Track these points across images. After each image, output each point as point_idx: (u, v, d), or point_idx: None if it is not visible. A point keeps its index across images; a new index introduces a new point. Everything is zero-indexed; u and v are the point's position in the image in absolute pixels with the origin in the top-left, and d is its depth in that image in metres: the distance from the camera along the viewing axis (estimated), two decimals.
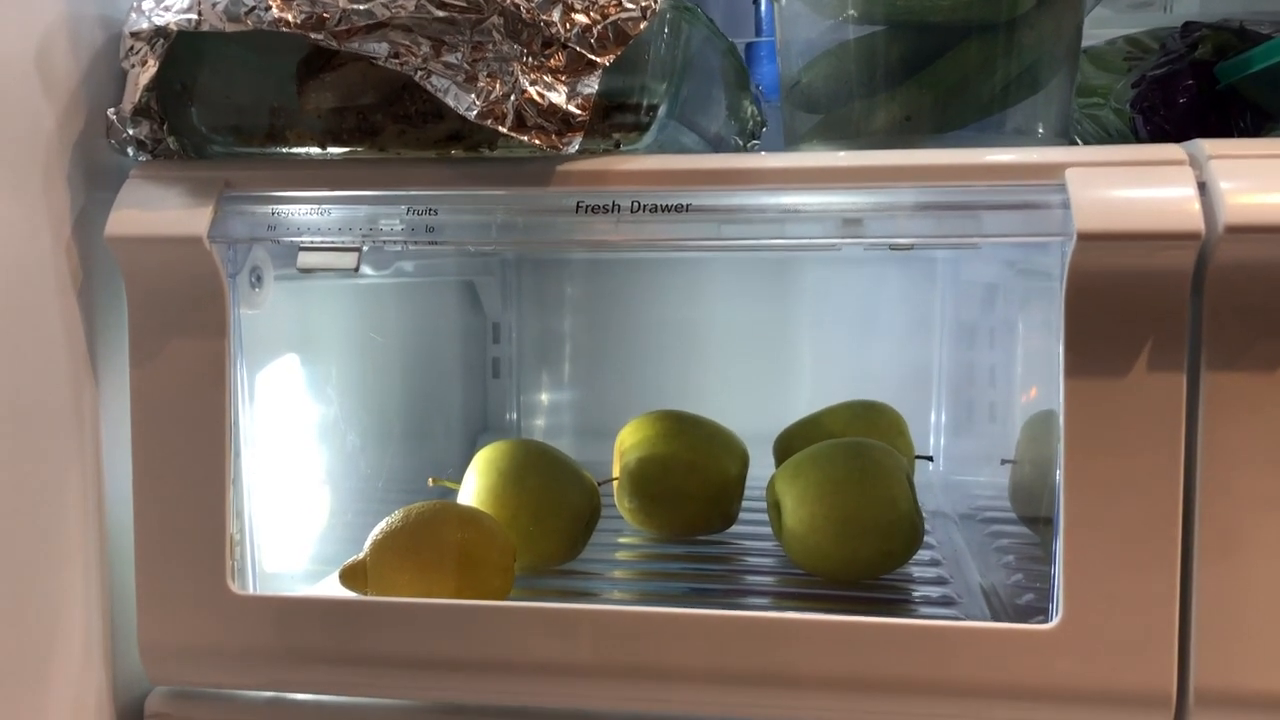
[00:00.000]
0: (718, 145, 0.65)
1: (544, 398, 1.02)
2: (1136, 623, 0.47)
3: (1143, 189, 0.46)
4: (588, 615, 0.51)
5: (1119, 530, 0.47)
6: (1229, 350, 0.46)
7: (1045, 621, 0.49)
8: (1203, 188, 0.46)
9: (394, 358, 0.81)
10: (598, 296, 1.00)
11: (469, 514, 0.60)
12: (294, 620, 0.52)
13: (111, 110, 0.52)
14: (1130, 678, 0.47)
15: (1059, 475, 0.47)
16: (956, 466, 0.92)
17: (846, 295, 0.96)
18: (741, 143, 0.70)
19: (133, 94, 0.50)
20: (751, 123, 0.71)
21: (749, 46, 0.84)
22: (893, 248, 0.48)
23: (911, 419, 0.82)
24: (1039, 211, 0.47)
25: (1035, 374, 0.76)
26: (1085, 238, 0.45)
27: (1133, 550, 0.46)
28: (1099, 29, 0.80)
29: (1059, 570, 0.47)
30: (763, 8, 0.85)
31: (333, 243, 0.50)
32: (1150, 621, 0.47)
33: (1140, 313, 0.46)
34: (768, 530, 0.69)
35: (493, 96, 0.47)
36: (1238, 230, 0.44)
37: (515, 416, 1.02)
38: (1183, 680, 0.47)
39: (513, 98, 0.47)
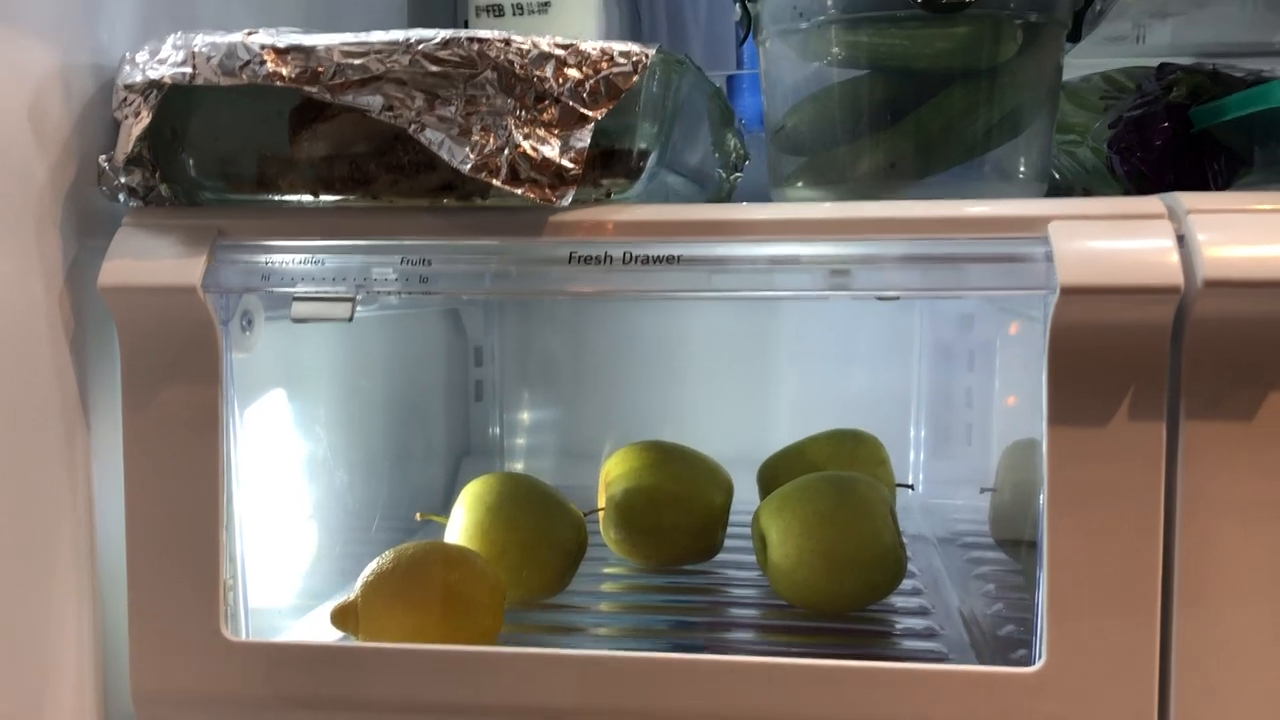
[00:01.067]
0: (701, 179, 0.66)
1: (527, 420, 1.03)
2: (1118, 667, 0.48)
3: (1123, 242, 0.47)
4: (578, 661, 0.51)
5: (1101, 576, 0.48)
6: (1208, 399, 0.47)
7: (1026, 654, 0.50)
8: (1181, 240, 0.47)
9: (378, 386, 0.82)
10: (580, 319, 1.01)
11: (458, 554, 0.60)
12: (288, 666, 0.52)
13: (104, 157, 0.52)
14: None
15: (1042, 524, 0.48)
16: (936, 490, 0.93)
17: (827, 319, 0.97)
18: (725, 175, 0.71)
19: (125, 144, 0.51)
20: (735, 155, 0.72)
21: (730, 79, 0.84)
22: (880, 299, 0.49)
23: (891, 442, 0.83)
24: (1022, 265, 0.48)
25: (1011, 401, 0.78)
26: (1068, 291, 0.46)
27: (1114, 596, 0.48)
28: (1075, 59, 0.81)
29: (1042, 614, 0.48)
30: (743, 39, 0.86)
31: (327, 293, 0.51)
32: (1131, 666, 0.48)
33: (1121, 363, 0.47)
34: (752, 559, 0.70)
35: (486, 150, 0.47)
36: (1216, 285, 0.45)
37: (498, 439, 1.02)
38: None
39: (506, 151, 0.47)
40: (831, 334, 0.97)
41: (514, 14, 0.83)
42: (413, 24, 0.88)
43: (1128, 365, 0.47)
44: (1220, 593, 0.47)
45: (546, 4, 0.82)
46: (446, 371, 0.98)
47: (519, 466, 1.02)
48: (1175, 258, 0.46)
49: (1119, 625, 0.48)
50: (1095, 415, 0.47)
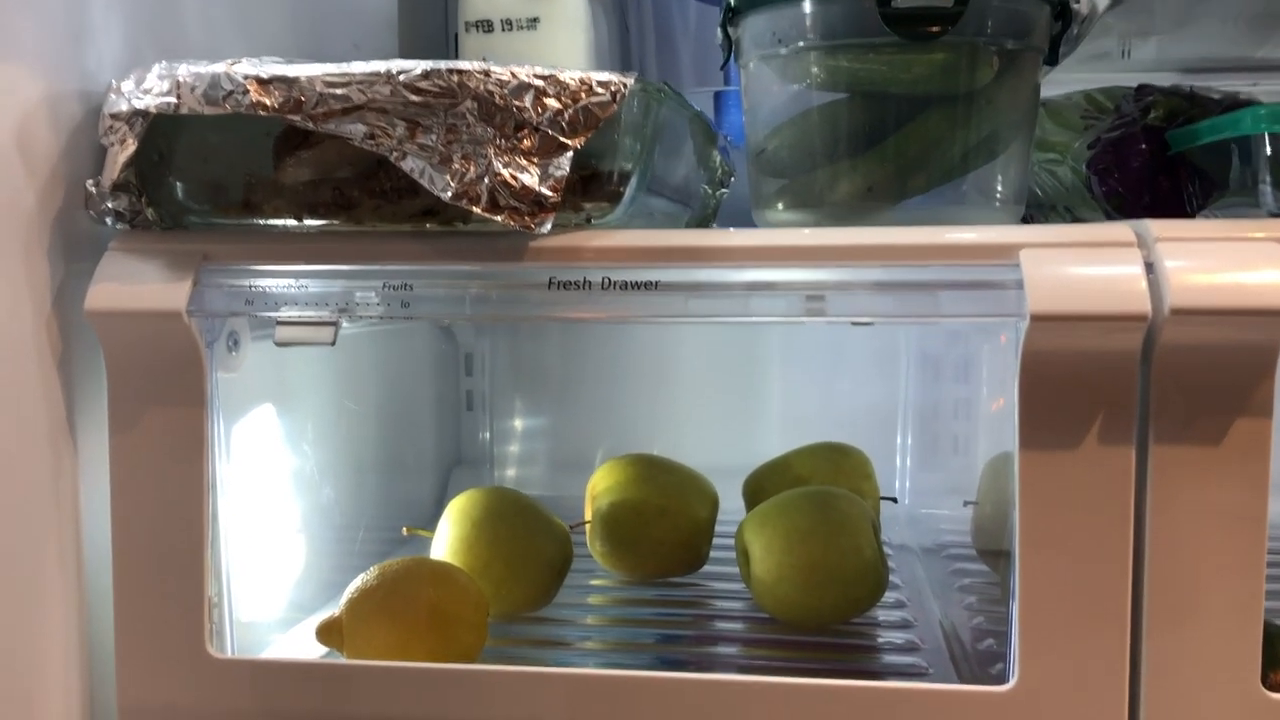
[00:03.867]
0: (686, 197, 0.67)
1: (517, 430, 1.03)
2: (1089, 686, 0.48)
3: (1093, 269, 0.48)
4: (562, 678, 0.52)
5: (1073, 597, 0.48)
6: (1176, 424, 0.48)
7: (1003, 669, 0.51)
8: (1150, 268, 0.48)
9: (369, 398, 0.82)
10: (571, 329, 1.01)
11: (442, 571, 0.61)
12: (272, 683, 0.53)
13: (91, 182, 0.53)
14: None
15: (1014, 547, 0.49)
16: (923, 500, 0.94)
17: (816, 332, 0.98)
18: (711, 191, 0.72)
19: (112, 171, 0.51)
20: (720, 172, 0.73)
21: (719, 95, 0.85)
22: (854, 324, 0.49)
23: (878, 452, 0.83)
24: (994, 291, 0.48)
25: (997, 412, 0.78)
26: (1038, 319, 0.47)
27: (1086, 617, 0.48)
28: (1059, 75, 0.82)
29: (1015, 634, 0.49)
30: (725, 63, 0.87)
31: (310, 318, 0.51)
32: (1102, 685, 0.48)
33: (1091, 388, 0.48)
34: (737, 571, 0.71)
35: (467, 178, 0.48)
36: (1182, 313, 0.46)
37: (489, 448, 1.03)
38: None
39: (486, 179, 0.48)
40: (820, 346, 0.97)
41: (503, 29, 0.83)
42: (402, 39, 0.89)
43: (1098, 391, 0.48)
44: (1189, 613, 0.48)
45: (536, 20, 0.83)
46: (437, 381, 0.99)
47: (510, 475, 1.02)
48: (1143, 285, 0.47)
49: (1090, 645, 0.48)
50: (1066, 440, 0.48)
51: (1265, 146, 0.52)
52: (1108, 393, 0.48)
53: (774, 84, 0.60)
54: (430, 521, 0.72)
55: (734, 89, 0.85)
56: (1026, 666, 0.49)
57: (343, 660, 0.58)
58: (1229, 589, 0.48)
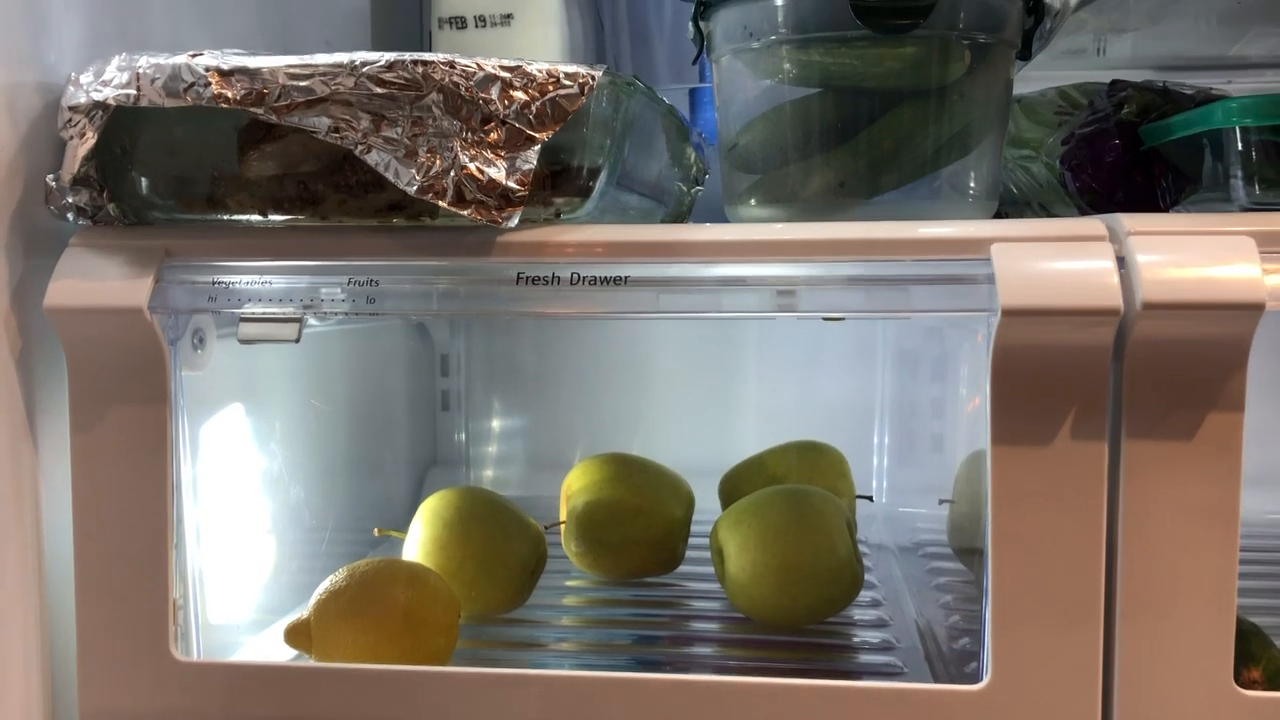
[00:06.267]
0: (660, 194, 0.66)
1: (494, 430, 1.03)
2: (1062, 683, 0.48)
3: (1064, 264, 0.47)
4: (535, 680, 0.51)
5: (1045, 594, 0.48)
6: (1148, 419, 0.47)
7: (977, 668, 0.51)
8: (1122, 262, 0.47)
9: (340, 399, 0.81)
10: (547, 329, 1.01)
11: (413, 572, 0.60)
12: (238, 686, 0.52)
13: (51, 177, 0.52)
14: None
15: (987, 543, 0.48)
16: (900, 499, 0.94)
17: (792, 330, 0.97)
18: (685, 189, 0.72)
19: (72, 164, 0.50)
20: (695, 169, 0.73)
21: (694, 91, 0.85)
22: (826, 319, 0.49)
23: (855, 451, 0.83)
24: (966, 286, 0.48)
25: (974, 410, 0.78)
26: (1009, 313, 0.46)
27: (1058, 613, 0.48)
28: (1036, 71, 0.82)
29: (988, 632, 0.49)
30: (696, 57, 0.86)
31: (274, 314, 0.51)
32: (1075, 681, 0.48)
33: (1064, 383, 0.47)
34: (713, 571, 0.70)
35: (432, 171, 0.47)
36: (1155, 307, 0.46)
37: (465, 449, 1.02)
38: None
39: (452, 173, 0.47)
40: (796, 345, 0.97)
41: (477, 26, 0.83)
42: (376, 37, 0.88)
43: (1070, 385, 0.47)
44: (1163, 609, 0.48)
45: (510, 16, 0.82)
46: (412, 381, 0.98)
47: (487, 476, 1.02)
48: (1115, 280, 0.47)
49: (1063, 641, 0.48)
50: (1038, 435, 0.48)
51: (1236, 140, 0.52)
52: (1080, 388, 0.47)
53: (746, 79, 0.59)
54: (405, 523, 0.71)
55: (709, 86, 0.84)
56: (999, 665, 0.49)
57: (310, 663, 0.57)
58: (1202, 585, 0.48)
